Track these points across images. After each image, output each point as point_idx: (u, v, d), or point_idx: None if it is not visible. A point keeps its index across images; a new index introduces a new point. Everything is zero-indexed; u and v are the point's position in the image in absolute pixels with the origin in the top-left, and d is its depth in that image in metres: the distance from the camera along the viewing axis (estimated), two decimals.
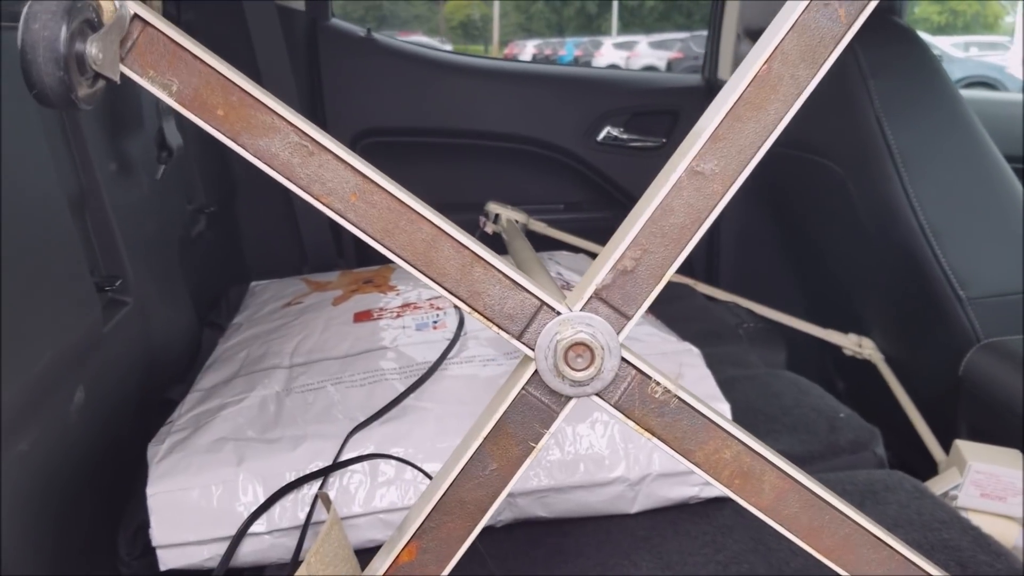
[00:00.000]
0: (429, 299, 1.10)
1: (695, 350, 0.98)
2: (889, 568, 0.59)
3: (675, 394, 0.56)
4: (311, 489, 0.80)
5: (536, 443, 0.56)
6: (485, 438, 0.55)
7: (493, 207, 1.60)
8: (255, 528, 0.78)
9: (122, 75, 0.50)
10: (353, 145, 1.77)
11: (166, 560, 0.78)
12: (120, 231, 0.99)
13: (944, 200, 1.25)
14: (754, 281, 1.89)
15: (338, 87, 1.75)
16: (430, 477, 0.80)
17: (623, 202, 1.90)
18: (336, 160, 0.52)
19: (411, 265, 0.53)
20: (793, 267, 1.83)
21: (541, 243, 1.53)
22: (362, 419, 0.84)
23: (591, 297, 0.55)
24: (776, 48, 0.53)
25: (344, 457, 0.81)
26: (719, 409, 0.91)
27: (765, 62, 0.54)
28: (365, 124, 1.77)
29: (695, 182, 0.54)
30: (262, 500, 0.79)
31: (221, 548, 0.78)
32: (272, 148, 0.52)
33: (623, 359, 0.55)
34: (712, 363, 1.24)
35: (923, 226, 1.24)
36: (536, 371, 0.55)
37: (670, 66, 10.19)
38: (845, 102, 1.29)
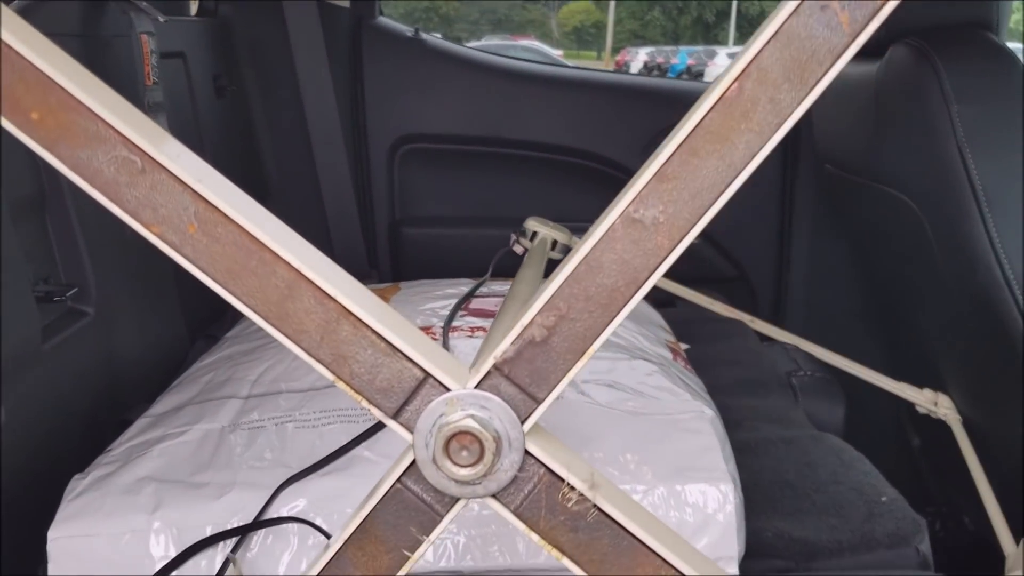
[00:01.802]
0: (423, 326, 0.99)
1: (708, 412, 0.83)
2: None
3: (593, 503, 0.43)
4: (232, 546, 0.70)
5: (412, 552, 0.44)
6: (347, 541, 0.44)
7: (532, 224, 1.47)
8: None
9: None
10: (393, 151, 1.68)
11: None
12: (85, 235, 0.91)
13: None
14: (826, 322, 1.71)
15: (380, 89, 1.65)
16: None
17: None
18: (172, 180, 0.41)
19: (262, 317, 0.42)
20: (866, 309, 1.64)
21: None
22: (301, 468, 0.74)
23: (490, 371, 0.43)
24: (751, 62, 0.40)
25: (274, 513, 0.71)
26: (721, 491, 0.76)
27: (735, 80, 0.40)
28: (407, 129, 1.67)
29: (632, 233, 0.41)
30: (174, 555, 0.69)
31: None
32: (94, 162, 0.41)
33: (528, 453, 0.43)
34: (747, 419, 1.09)
35: (1008, 277, 1.06)
36: (415, 461, 0.43)
37: None
38: (924, 129, 1.11)
